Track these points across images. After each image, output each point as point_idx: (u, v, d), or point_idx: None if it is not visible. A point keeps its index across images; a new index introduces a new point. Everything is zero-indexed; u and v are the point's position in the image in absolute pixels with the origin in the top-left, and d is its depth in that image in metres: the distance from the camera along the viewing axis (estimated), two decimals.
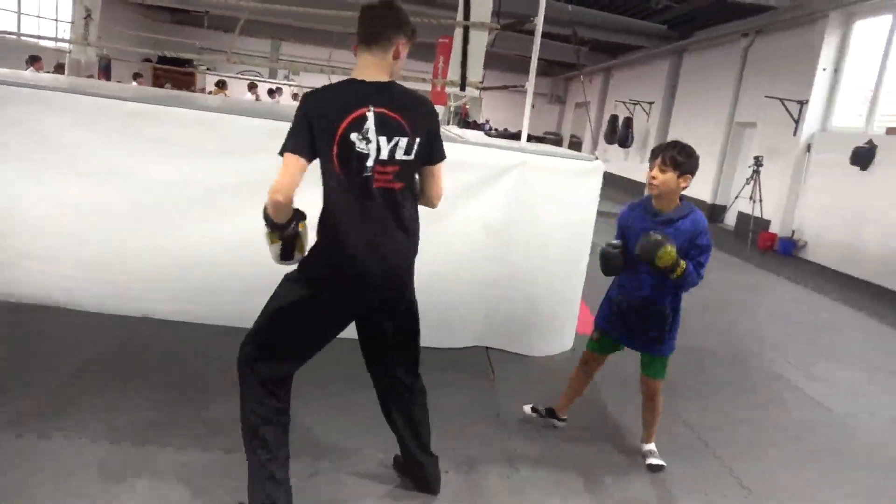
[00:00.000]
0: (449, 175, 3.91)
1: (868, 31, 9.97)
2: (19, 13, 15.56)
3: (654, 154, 2.82)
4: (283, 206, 2.04)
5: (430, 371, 3.72)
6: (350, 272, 2.17)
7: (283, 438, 2.23)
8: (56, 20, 16.66)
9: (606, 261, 2.94)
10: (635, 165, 17.69)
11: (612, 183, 18.64)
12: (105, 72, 15.14)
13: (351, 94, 2.12)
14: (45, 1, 16.85)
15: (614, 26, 14.93)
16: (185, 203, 3.85)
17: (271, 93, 14.11)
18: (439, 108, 11.74)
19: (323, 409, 3.12)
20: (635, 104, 17.69)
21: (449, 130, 6.74)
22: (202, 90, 19.04)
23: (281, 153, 2.07)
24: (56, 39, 14.71)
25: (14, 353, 3.30)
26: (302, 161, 2.05)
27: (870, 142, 8.97)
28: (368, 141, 2.09)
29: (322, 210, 2.17)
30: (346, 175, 2.10)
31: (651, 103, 17.06)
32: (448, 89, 6.33)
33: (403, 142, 2.14)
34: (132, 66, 17.46)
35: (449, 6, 12.93)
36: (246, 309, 3.86)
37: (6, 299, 3.85)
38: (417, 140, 2.16)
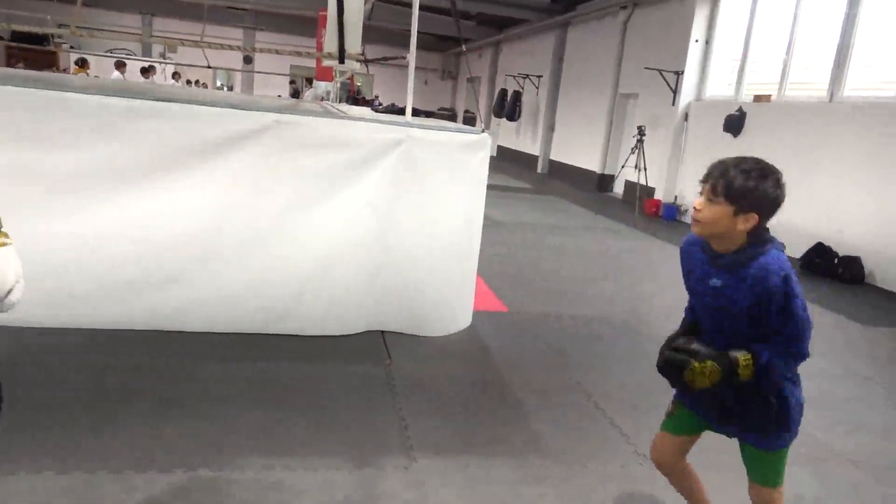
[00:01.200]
0: (331, 153, 3.74)
1: (734, 4, 10.50)
2: None
3: (707, 175, 1.82)
4: None
5: (324, 360, 3.57)
6: None
7: None
8: None
9: (671, 369, 1.90)
10: (525, 139, 17.97)
11: (505, 157, 19.07)
12: None
13: None
14: None
15: None
16: (34, 197, 3.38)
17: (144, 71, 13.07)
18: (328, 85, 11.39)
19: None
20: (525, 77, 17.90)
21: (336, 107, 6.44)
22: (65, 70, 17.40)
23: None
24: None
25: None
26: None
27: (739, 109, 9.50)
28: None
29: None
30: None
31: (539, 77, 17.31)
32: (326, 62, 6.02)
33: None
34: None
35: None
36: (108, 306, 3.54)
37: None
38: None
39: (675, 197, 10.99)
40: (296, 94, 17.04)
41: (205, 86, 20.56)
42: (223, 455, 2.59)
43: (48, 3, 20.46)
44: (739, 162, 1.78)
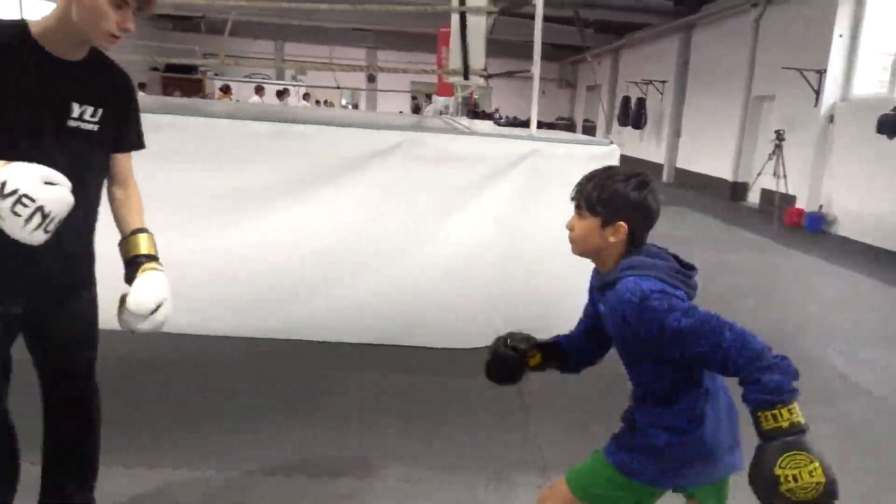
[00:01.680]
0: (457, 169, 3.80)
1: None
2: None
3: (574, 189, 1.66)
4: None
5: (452, 373, 3.62)
6: None
7: None
8: None
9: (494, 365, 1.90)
10: (650, 147, 17.35)
11: (626, 165, 18.41)
12: None
13: None
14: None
15: (619, 4, 14.59)
16: (197, 213, 3.71)
17: (279, 94, 14.01)
18: (447, 99, 11.60)
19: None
20: (647, 83, 17.32)
21: (457, 122, 6.55)
22: (209, 95, 19.02)
23: None
24: None
25: None
26: None
27: (895, 108, 8.62)
28: None
29: None
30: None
31: (664, 82, 16.68)
32: (451, 79, 6.13)
33: None
34: (138, 76, 17.46)
35: None
36: (256, 318, 3.83)
37: None
38: None
39: (821, 206, 10.14)
40: (417, 109, 17.54)
41: (332, 105, 21.66)
42: (364, 465, 2.68)
43: (194, 36, 22.46)
44: (603, 171, 1.64)
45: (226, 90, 13.85)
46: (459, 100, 9.12)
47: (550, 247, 3.86)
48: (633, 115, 17.74)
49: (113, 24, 1.58)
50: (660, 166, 16.47)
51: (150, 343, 3.53)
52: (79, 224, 1.73)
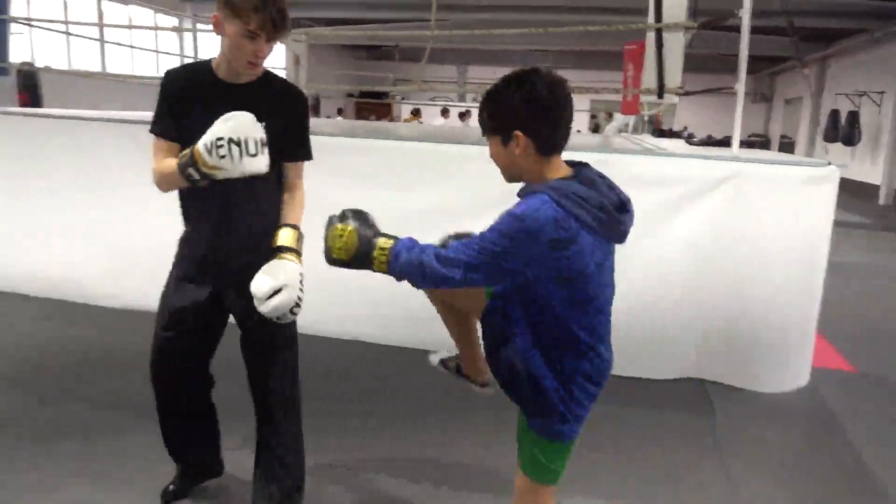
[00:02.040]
0: (649, 191, 3.64)
1: None
2: None
3: None
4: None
5: (639, 404, 3.45)
6: None
7: None
8: (272, 68, 18.73)
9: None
10: (865, 166, 15.41)
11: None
12: (314, 108, 16.72)
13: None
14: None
15: (833, 9, 13.19)
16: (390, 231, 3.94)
17: (461, 116, 14.53)
18: (627, 117, 11.25)
19: None
20: (861, 95, 15.44)
21: (643, 141, 6.32)
22: (397, 118, 20.24)
23: None
24: None
25: None
26: None
27: None
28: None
29: None
30: None
31: (881, 93, 14.77)
32: (643, 98, 5.92)
33: None
34: (337, 102, 19.08)
35: (634, 11, 12.36)
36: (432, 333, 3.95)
37: None
38: None
39: None
40: (596, 128, 17.22)
41: None
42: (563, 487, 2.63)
43: (386, 63, 24.06)
44: (492, 86, 1.54)
45: (416, 113, 14.64)
46: (646, 118, 8.78)
47: (749, 275, 3.57)
48: (843, 131, 15.89)
49: (248, 53, 1.88)
50: (875, 188, 14.57)
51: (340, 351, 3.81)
52: (251, 223, 2.04)
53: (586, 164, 1.58)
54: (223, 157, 1.74)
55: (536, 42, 19.29)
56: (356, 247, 1.60)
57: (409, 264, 1.55)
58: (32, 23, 9.47)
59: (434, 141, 3.97)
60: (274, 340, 2.16)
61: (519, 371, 1.55)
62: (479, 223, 3.71)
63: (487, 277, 1.52)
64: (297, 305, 1.89)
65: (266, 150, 1.80)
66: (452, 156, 3.85)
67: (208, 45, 16.64)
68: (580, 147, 3.92)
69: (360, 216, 1.67)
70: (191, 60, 14.07)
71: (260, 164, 1.79)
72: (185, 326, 2.13)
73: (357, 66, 24.81)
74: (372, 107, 20.55)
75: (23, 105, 9.85)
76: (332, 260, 1.66)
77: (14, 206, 4.61)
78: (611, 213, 1.49)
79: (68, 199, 4.45)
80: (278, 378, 2.19)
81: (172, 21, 15.92)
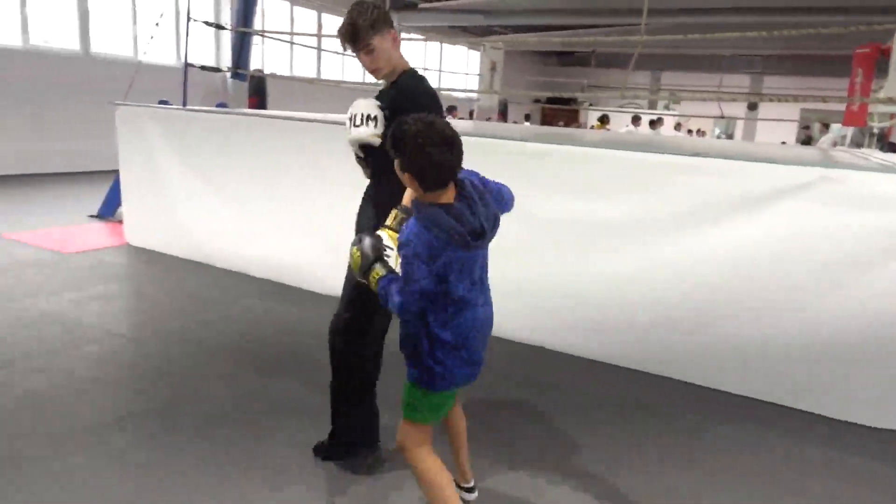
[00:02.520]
0: (885, 212, 3.23)
1: None
2: (440, 71, 18.58)
3: None
4: None
5: (849, 451, 3.07)
6: None
7: None
8: (466, 74, 19.42)
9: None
10: None
11: None
12: (502, 114, 17.04)
13: None
14: (457, 59, 19.73)
15: None
16: (575, 239, 3.92)
17: (652, 123, 13.96)
18: (843, 129, 9.97)
19: None
20: None
21: (871, 156, 5.61)
22: (583, 125, 19.96)
23: None
24: (466, 91, 17.11)
25: None
26: None
27: None
28: None
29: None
30: None
31: None
32: (872, 108, 5.28)
33: None
34: (524, 108, 19.28)
35: (867, 10, 10.97)
36: (627, 344, 3.86)
37: None
38: None
39: None
40: (808, 140, 15.60)
41: (704, 134, 20.72)
42: None
43: (579, 69, 23.81)
44: None
45: (603, 120, 14.33)
46: (875, 130, 7.80)
47: None
48: None
49: (363, 65, 2.46)
50: None
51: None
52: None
53: (465, 187, 1.95)
54: (345, 129, 2.34)
55: (743, 46, 17.94)
56: (359, 267, 2.02)
57: (383, 290, 1.96)
58: (265, 34, 10.68)
59: (629, 149, 3.86)
60: None
61: (409, 335, 2.06)
62: (679, 236, 3.60)
63: (424, 291, 1.89)
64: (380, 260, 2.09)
65: (372, 124, 2.30)
66: (649, 165, 3.72)
67: (412, 53, 17.49)
68: (809, 162, 3.59)
69: (370, 242, 2.04)
70: None
71: (361, 132, 2.30)
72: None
73: (547, 72, 24.86)
74: (559, 113, 20.46)
75: (252, 107, 11.21)
76: (353, 274, 2.14)
77: (244, 198, 5.26)
78: (466, 239, 1.88)
79: (290, 194, 4.98)
80: None
81: None
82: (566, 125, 16.55)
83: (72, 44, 10.70)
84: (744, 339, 3.53)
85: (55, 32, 10.46)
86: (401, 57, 2.49)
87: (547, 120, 19.68)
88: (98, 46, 11.04)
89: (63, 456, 2.58)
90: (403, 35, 13.81)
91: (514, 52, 20.16)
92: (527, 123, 15.30)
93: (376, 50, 2.37)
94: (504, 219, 2.09)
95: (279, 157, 5.03)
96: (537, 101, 21.59)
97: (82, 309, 4.26)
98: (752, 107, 21.98)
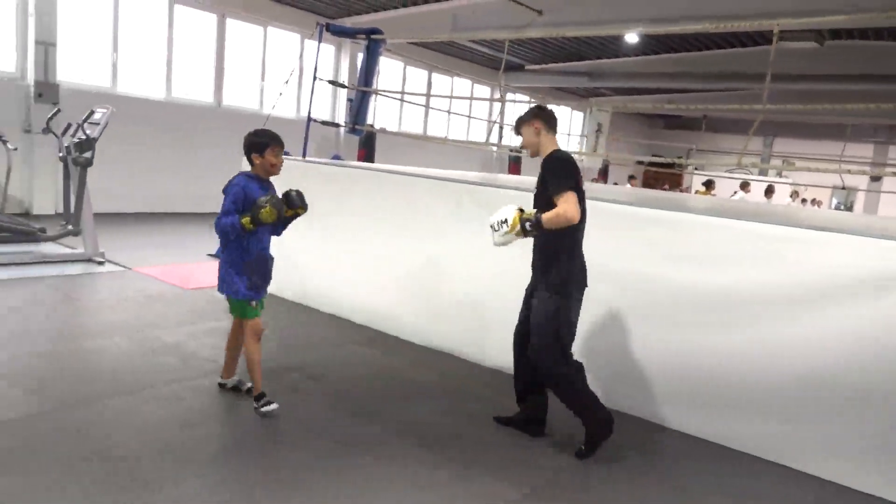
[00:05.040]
0: None
1: None
2: None
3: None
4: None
5: None
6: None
7: None
8: (568, 135, 19.52)
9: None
10: None
11: None
12: (603, 174, 16.93)
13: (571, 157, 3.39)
14: (561, 120, 19.85)
15: None
16: (683, 307, 3.79)
17: (767, 192, 13.33)
18: None
19: None
20: None
21: None
22: (686, 189, 19.44)
23: (564, 190, 3.11)
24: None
25: None
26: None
27: None
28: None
29: (570, 235, 3.25)
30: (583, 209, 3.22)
31: None
32: None
33: None
34: (626, 169, 19.07)
35: None
36: (736, 424, 3.62)
37: None
38: None
39: None
40: None
41: (819, 204, 19.61)
42: None
43: (684, 133, 23.39)
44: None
45: (708, 185, 13.91)
46: None
47: None
48: None
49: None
50: None
51: None
52: (542, 242, 3.33)
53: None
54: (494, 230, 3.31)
55: (869, 114, 17.04)
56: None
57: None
58: (381, 93, 11.24)
59: (744, 218, 3.72)
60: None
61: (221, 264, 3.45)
62: (797, 314, 3.40)
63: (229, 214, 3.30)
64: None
65: (505, 227, 3.19)
66: (767, 236, 3.56)
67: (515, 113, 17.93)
68: None
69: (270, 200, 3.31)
70: (496, 127, 15.33)
71: (496, 238, 3.25)
72: None
73: (652, 135, 24.58)
74: (662, 175, 20.07)
75: (360, 159, 11.79)
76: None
77: (352, 246, 5.49)
78: None
79: (396, 245, 5.16)
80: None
81: (486, 91, 17.64)
82: (670, 188, 16.19)
83: (207, 97, 11.74)
84: (863, 429, 3.25)
85: (194, 87, 11.52)
86: (549, 142, 3.36)
87: (649, 183, 19.35)
88: (229, 100, 12.05)
89: (177, 483, 2.73)
90: (509, 95, 14.05)
91: (619, 113, 20.13)
92: (628, 185, 15.07)
93: (523, 136, 3.40)
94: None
95: (387, 208, 5.24)
96: (640, 162, 21.32)
97: (197, 342, 4.54)
98: (876, 178, 20.63)
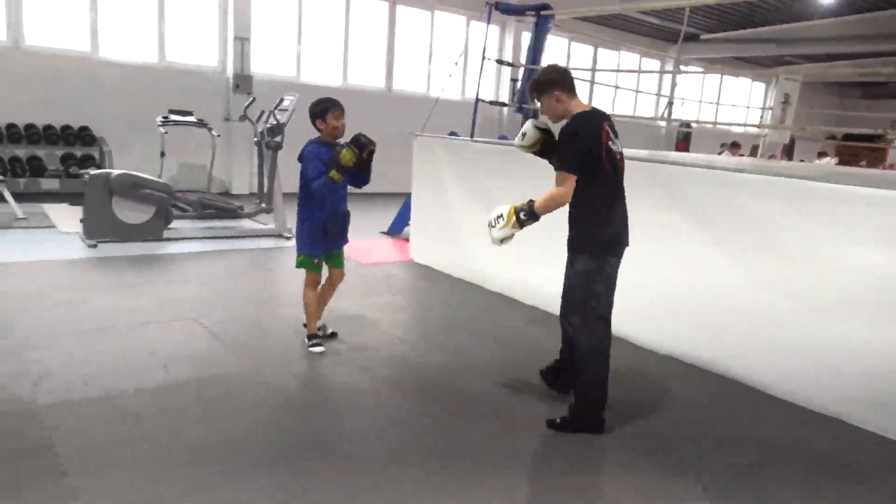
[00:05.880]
0: None
1: None
2: (717, 104, 17.46)
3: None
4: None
5: None
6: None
7: None
8: (748, 107, 17.98)
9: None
10: None
11: None
12: (788, 151, 15.42)
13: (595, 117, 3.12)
14: (739, 92, 18.33)
15: None
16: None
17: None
18: None
19: None
20: None
21: None
22: (891, 166, 17.11)
23: (563, 169, 3.04)
24: (746, 125, 15.83)
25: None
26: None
27: None
28: (614, 142, 3.11)
29: (592, 199, 3.09)
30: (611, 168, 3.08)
31: None
32: None
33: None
34: (814, 145, 17.22)
35: None
36: None
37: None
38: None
39: None
40: None
41: None
42: None
43: (887, 102, 20.58)
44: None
45: None
46: None
47: None
48: None
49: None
50: None
51: None
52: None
53: None
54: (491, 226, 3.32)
55: None
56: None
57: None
58: None
59: None
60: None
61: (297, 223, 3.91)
62: None
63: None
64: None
65: (501, 221, 3.18)
66: None
67: (687, 86, 16.81)
68: None
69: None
70: (666, 100, 14.48)
71: (494, 234, 3.23)
72: None
73: (845, 105, 21.94)
74: (858, 151, 17.83)
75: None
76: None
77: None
78: None
79: (562, 224, 5.07)
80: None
81: (654, 64, 16.77)
82: (868, 166, 14.33)
83: (378, 83, 12.33)
84: None
85: (366, 74, 12.15)
86: (573, 105, 3.12)
87: (844, 160, 17.27)
88: (399, 84, 12.55)
89: (368, 443, 2.94)
90: (682, 68, 13.20)
91: (807, 83, 18.17)
92: (821, 161, 13.56)
93: (543, 105, 3.15)
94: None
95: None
96: (831, 137, 19.10)
97: (377, 313, 4.83)
98: None
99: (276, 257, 6.55)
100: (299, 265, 3.94)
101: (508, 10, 7.37)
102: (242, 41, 10.26)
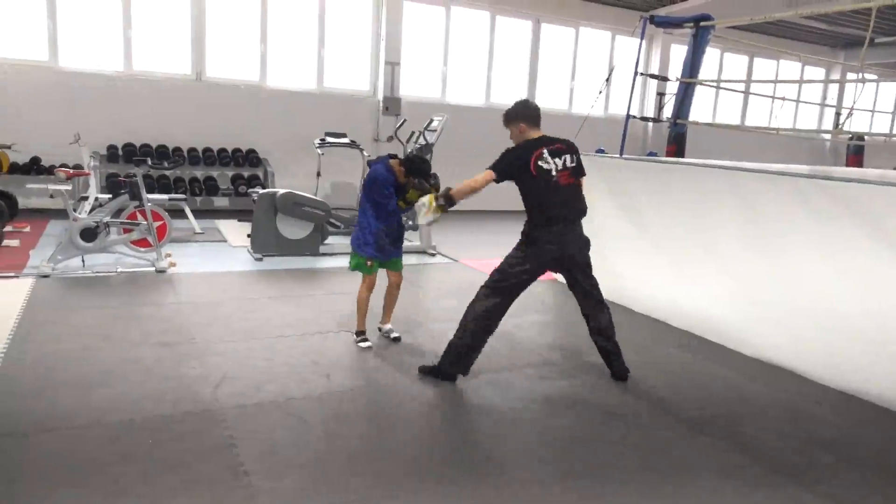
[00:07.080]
0: None
1: None
2: (872, 111, 15.70)
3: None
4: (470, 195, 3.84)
5: None
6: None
7: None
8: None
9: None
10: None
11: None
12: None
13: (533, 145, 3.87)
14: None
15: None
16: None
17: None
18: None
19: None
20: None
21: None
22: None
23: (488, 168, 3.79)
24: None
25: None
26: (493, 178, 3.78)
27: None
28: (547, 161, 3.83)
29: (528, 204, 3.94)
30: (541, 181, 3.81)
31: None
32: None
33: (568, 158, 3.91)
34: None
35: None
36: None
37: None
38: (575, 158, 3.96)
39: None
40: None
41: None
42: None
43: None
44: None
45: None
46: None
47: None
48: None
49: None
50: None
51: None
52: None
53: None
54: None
55: None
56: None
57: None
58: (703, 84, 10.59)
59: None
60: None
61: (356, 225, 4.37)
62: None
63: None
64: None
65: (424, 209, 3.91)
66: None
67: (866, 94, 15.21)
68: None
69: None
70: (832, 110, 13.23)
71: (420, 219, 3.99)
72: None
73: None
74: None
75: (670, 155, 11.20)
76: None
77: (672, 246, 5.25)
78: None
79: (722, 247, 4.78)
80: None
81: (820, 72, 15.45)
82: None
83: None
84: None
85: (508, 92, 12.25)
86: (529, 133, 3.93)
87: None
88: (541, 101, 12.48)
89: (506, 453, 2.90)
90: (851, 75, 11.96)
91: None
92: None
93: (510, 131, 3.98)
94: None
95: (712, 207, 4.88)
96: None
97: (523, 332, 4.80)
98: None
99: (423, 272, 6.73)
100: (354, 268, 4.39)
101: (664, 23, 7.11)
102: (393, 65, 10.75)
